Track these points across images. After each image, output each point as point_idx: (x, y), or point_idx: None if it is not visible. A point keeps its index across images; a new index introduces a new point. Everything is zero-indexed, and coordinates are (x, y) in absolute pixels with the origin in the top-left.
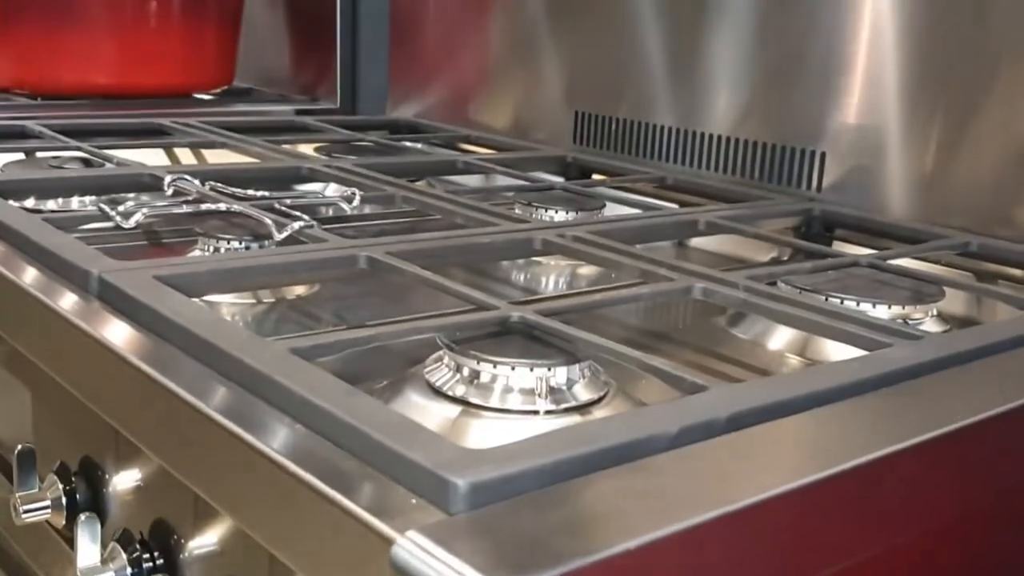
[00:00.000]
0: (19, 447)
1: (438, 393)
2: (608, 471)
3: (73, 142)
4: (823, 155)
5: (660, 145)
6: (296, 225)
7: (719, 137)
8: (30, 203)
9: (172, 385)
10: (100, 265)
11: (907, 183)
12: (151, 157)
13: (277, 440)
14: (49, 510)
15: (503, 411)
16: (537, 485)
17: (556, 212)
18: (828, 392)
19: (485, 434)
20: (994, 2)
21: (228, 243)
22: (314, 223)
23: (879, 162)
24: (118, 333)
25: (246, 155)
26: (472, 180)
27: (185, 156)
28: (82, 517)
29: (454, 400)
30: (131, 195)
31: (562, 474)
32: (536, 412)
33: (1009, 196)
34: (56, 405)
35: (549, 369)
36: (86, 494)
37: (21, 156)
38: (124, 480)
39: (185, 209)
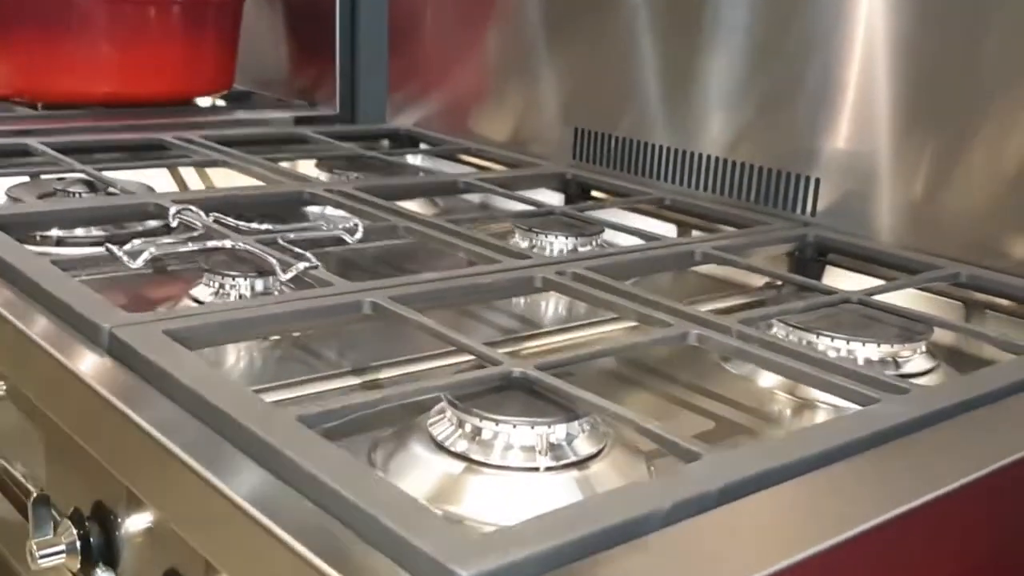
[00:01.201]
0: (34, 494)
1: (441, 447)
2: (605, 553)
3: (78, 164)
4: (817, 181)
5: (657, 164)
6: (301, 266)
7: (715, 159)
8: (37, 235)
9: (179, 451)
10: (111, 319)
11: (899, 210)
12: (153, 177)
13: (284, 514)
14: (64, 555)
15: (504, 468)
16: (537, 572)
17: (556, 238)
18: (818, 457)
19: (486, 490)
20: (987, 31)
21: (233, 280)
22: (318, 264)
23: (872, 188)
24: (127, 392)
25: (248, 175)
26: (474, 197)
27: (188, 175)
28: (98, 573)
29: (456, 456)
30: (137, 226)
31: (562, 558)
32: (537, 469)
33: (998, 226)
34: (69, 450)
35: (549, 427)
36: (99, 539)
37: (26, 178)
38: (136, 524)
39: (191, 247)
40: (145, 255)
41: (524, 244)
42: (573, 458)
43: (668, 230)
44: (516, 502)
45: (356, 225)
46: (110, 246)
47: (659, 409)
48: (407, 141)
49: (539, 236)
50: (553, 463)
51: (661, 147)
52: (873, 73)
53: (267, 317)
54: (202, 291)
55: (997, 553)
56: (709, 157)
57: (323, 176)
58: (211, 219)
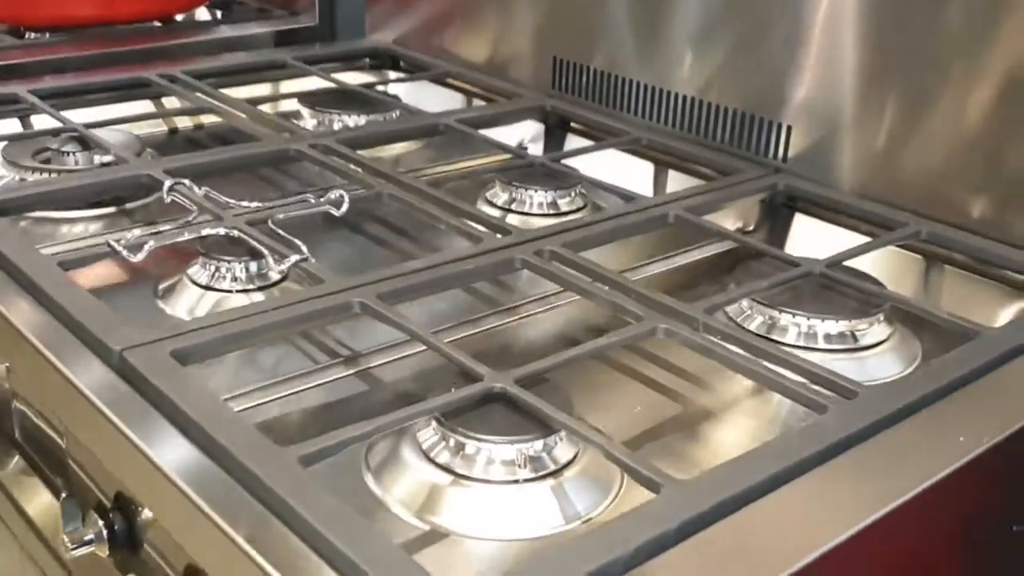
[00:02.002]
0: (63, 496)
1: (428, 458)
2: None
3: (70, 120)
4: (789, 128)
5: (633, 101)
6: (293, 258)
7: (690, 99)
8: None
9: (185, 486)
10: (121, 340)
11: (864, 160)
12: (143, 127)
13: (278, 556)
14: (93, 544)
15: (487, 481)
16: None
17: (535, 192)
18: (767, 481)
19: (469, 501)
20: None
21: (228, 264)
22: (308, 256)
23: (839, 138)
24: (136, 417)
25: (234, 122)
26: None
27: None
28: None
29: (442, 468)
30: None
31: None
32: (517, 481)
33: (959, 183)
34: (87, 449)
35: (527, 443)
36: (123, 525)
37: (17, 127)
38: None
39: (187, 236)
40: (146, 249)
41: (504, 197)
42: (551, 467)
43: (645, 170)
44: (497, 513)
45: (342, 197)
46: (112, 242)
47: (630, 392)
48: (387, 61)
49: (519, 190)
50: (532, 475)
51: (636, 83)
52: (841, 21)
53: (265, 327)
54: (199, 272)
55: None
56: (684, 97)
57: (307, 116)
58: (203, 193)
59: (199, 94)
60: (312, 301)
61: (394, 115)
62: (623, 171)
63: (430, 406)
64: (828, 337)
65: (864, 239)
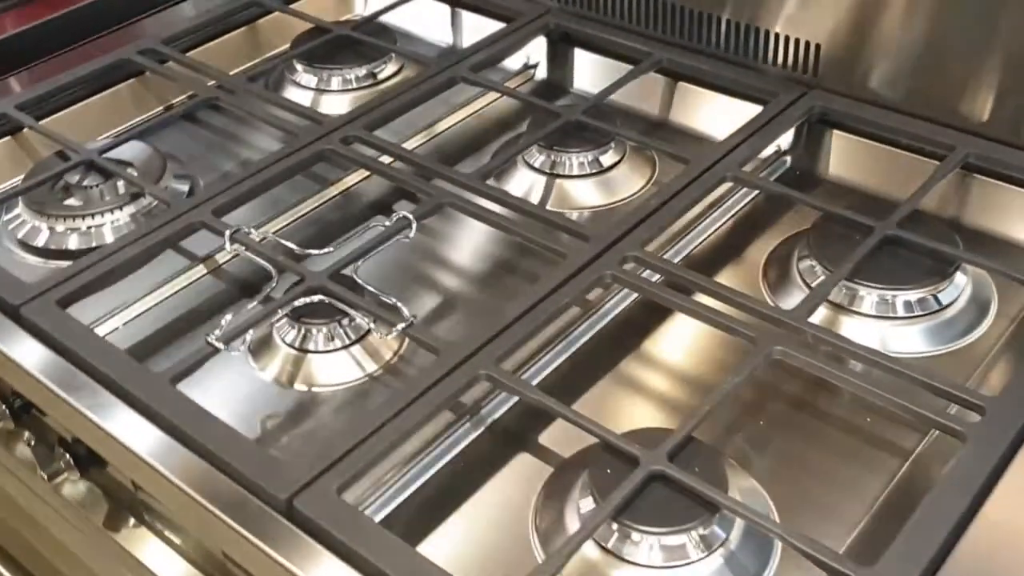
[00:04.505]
0: None
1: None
2: None
3: (81, 148)
4: (818, 46)
5: (653, 14)
6: (400, 327)
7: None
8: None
9: None
10: (286, 486)
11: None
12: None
13: None
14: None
15: (654, 567)
16: None
17: (574, 156)
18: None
19: None
20: None
21: (319, 327)
22: (413, 319)
23: (874, 49)
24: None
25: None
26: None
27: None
28: None
29: (606, 550)
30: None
31: None
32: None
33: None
34: None
35: (691, 531)
36: None
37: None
38: None
39: (281, 314)
40: (244, 340)
41: (542, 159)
42: (721, 538)
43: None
44: None
45: (407, 219)
46: (212, 340)
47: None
48: None
49: (559, 154)
50: (703, 553)
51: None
52: None
53: (405, 432)
54: (287, 331)
55: None
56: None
57: (304, 75)
58: (266, 241)
59: (191, 71)
60: (439, 386)
61: (393, 67)
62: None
63: (609, 509)
64: (908, 305)
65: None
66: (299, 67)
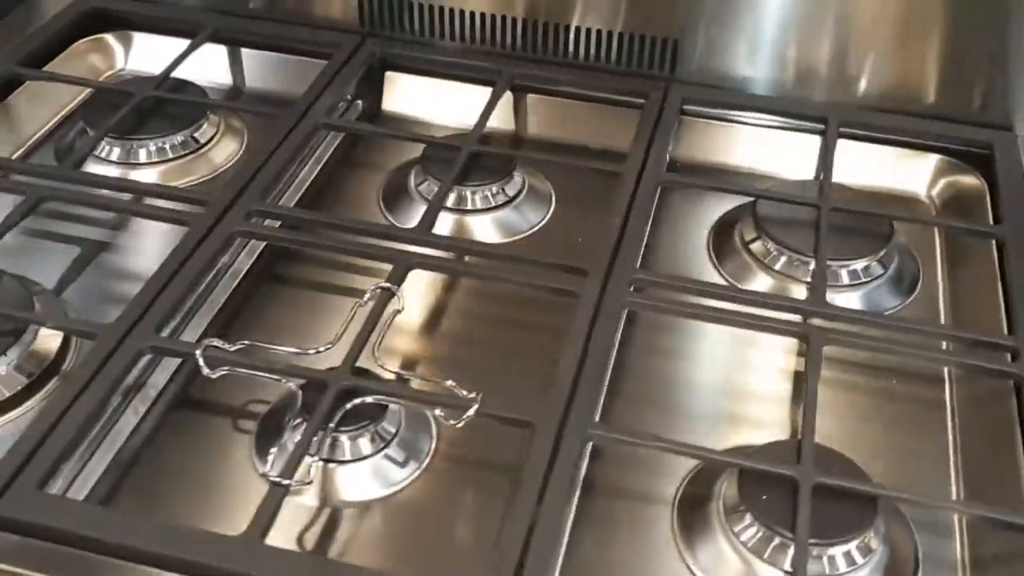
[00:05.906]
0: None
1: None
2: None
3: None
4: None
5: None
6: (471, 412)
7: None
8: None
9: None
10: None
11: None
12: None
13: None
14: None
15: None
16: None
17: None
18: None
19: None
20: None
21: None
22: (478, 399)
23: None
24: None
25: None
26: None
27: None
28: None
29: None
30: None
31: None
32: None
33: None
34: None
35: (864, 535)
36: None
37: None
38: None
39: (334, 433)
40: (309, 471)
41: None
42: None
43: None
44: None
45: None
46: (273, 479)
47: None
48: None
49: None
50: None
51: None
52: None
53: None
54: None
55: None
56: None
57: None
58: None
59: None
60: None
61: (211, 128)
62: None
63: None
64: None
65: None
66: (94, 137)
